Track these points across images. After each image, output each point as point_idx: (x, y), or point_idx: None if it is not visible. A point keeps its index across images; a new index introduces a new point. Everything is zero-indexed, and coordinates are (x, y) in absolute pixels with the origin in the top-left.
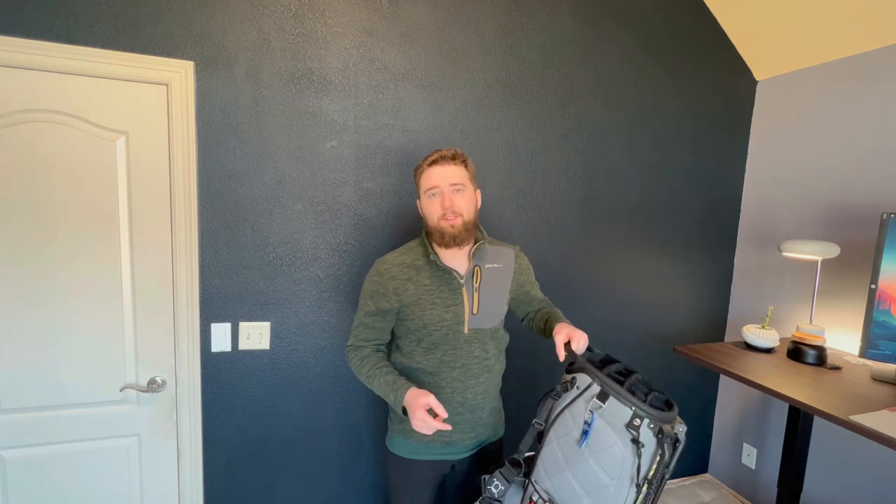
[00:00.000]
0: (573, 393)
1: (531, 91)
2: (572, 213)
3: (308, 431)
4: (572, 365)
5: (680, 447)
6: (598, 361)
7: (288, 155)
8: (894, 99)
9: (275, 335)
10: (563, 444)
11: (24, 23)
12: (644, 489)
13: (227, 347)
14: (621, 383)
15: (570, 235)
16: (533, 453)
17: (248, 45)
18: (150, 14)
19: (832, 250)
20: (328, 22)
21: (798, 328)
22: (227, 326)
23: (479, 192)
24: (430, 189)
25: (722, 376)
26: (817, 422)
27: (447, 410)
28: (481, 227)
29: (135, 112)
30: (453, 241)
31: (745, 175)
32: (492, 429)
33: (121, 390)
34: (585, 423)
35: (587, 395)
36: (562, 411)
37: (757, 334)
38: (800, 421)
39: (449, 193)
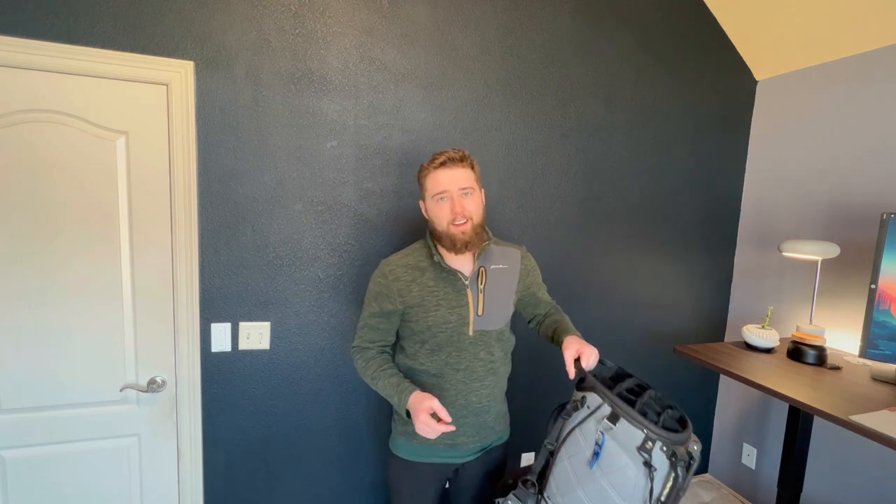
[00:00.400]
0: (583, 412)
1: (531, 91)
2: (572, 213)
3: (308, 431)
4: (582, 382)
5: (694, 465)
6: (610, 378)
7: (288, 155)
8: (894, 99)
9: (275, 335)
10: (574, 464)
11: (24, 23)
12: None
13: (227, 347)
14: (633, 403)
15: (570, 235)
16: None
17: (248, 45)
18: (150, 14)
19: (832, 250)
20: (328, 22)
21: (798, 328)
22: (227, 326)
23: (483, 191)
24: (439, 193)
25: (722, 376)
26: (817, 422)
27: (451, 413)
28: (487, 228)
29: (135, 112)
30: (465, 247)
31: (745, 175)
32: (497, 432)
33: (121, 390)
34: (596, 443)
35: (598, 415)
36: (572, 430)
37: (757, 334)
38: (800, 421)
39: (458, 198)
